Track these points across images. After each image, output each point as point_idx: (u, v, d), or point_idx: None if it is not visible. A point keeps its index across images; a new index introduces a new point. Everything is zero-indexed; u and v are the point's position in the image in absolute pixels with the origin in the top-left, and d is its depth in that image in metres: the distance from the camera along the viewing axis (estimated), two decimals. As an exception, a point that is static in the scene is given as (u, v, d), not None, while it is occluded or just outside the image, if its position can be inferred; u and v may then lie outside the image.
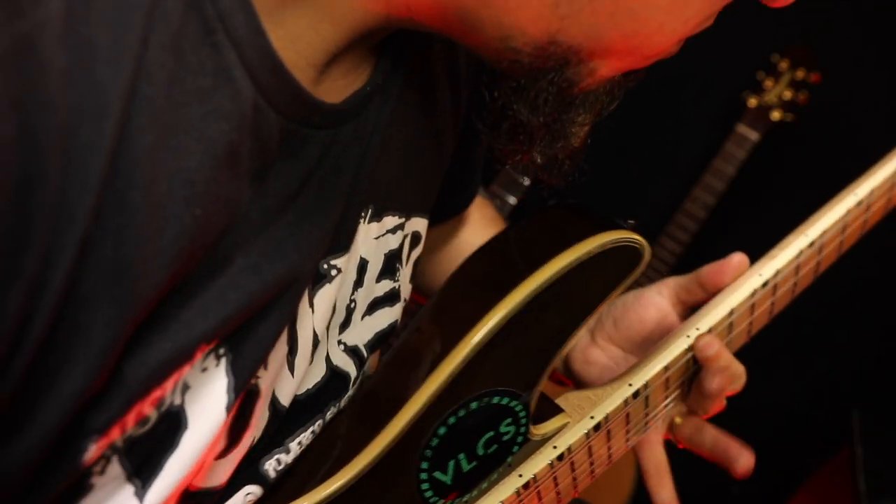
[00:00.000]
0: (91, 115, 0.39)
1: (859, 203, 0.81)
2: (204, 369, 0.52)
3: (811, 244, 0.80)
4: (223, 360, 0.52)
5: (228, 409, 0.54)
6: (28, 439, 0.42)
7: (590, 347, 0.85)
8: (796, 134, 1.88)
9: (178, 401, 0.51)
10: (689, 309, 0.82)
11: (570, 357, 0.86)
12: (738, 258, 0.79)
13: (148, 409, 0.48)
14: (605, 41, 0.50)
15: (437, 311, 0.69)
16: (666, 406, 0.80)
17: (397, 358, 0.68)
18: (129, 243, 0.41)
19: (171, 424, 0.51)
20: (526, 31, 0.49)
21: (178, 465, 0.52)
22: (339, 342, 0.67)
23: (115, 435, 0.47)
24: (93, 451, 0.46)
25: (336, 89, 0.55)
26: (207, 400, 0.52)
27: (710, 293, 0.79)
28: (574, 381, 0.87)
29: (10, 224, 0.37)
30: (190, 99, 0.43)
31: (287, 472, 0.64)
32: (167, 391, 0.49)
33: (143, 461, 0.50)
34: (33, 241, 0.38)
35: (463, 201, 0.91)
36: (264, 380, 0.57)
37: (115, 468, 0.49)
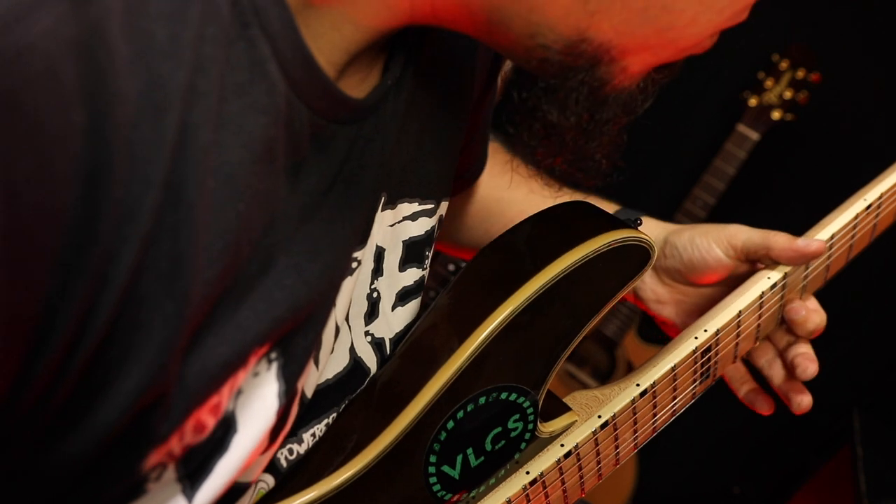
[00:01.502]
0: (153, 108, 0.38)
1: (868, 207, 0.81)
2: (256, 374, 0.52)
3: None
4: (274, 365, 0.53)
5: (277, 412, 0.54)
6: (85, 435, 0.42)
7: (658, 287, 0.88)
8: (796, 134, 1.88)
9: (231, 406, 0.51)
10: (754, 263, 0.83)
11: (643, 297, 0.89)
12: (818, 247, 0.78)
13: (206, 416, 0.48)
14: (638, 37, 0.49)
15: (447, 306, 0.69)
16: (674, 405, 0.80)
17: (408, 351, 0.69)
18: (185, 240, 0.41)
19: (224, 429, 0.51)
20: (555, 28, 0.49)
21: (227, 466, 0.52)
22: (367, 333, 0.67)
23: (174, 443, 0.47)
24: (152, 458, 0.46)
25: (354, 84, 0.55)
26: (258, 404, 0.53)
27: (773, 260, 0.80)
28: (656, 317, 0.90)
29: (79, 215, 0.37)
30: (229, 93, 0.43)
31: (299, 463, 0.64)
32: (224, 398, 0.49)
33: (195, 465, 0.51)
34: (99, 235, 0.38)
35: (478, 170, 0.91)
36: (300, 379, 0.57)
37: (169, 473, 0.49)
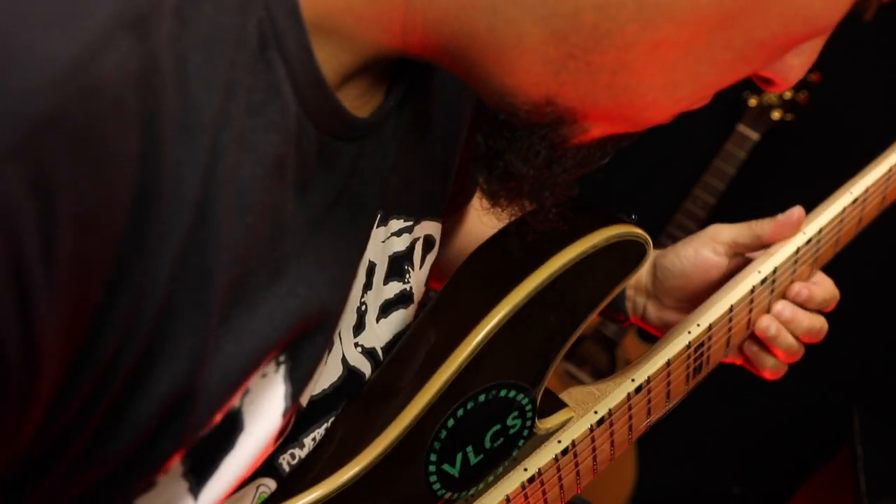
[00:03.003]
0: (188, 131, 0.40)
1: (854, 201, 0.82)
2: (264, 375, 0.53)
3: (808, 241, 0.82)
4: (282, 368, 0.54)
5: (284, 414, 0.55)
6: (116, 441, 0.44)
7: (664, 313, 0.89)
8: (796, 133, 1.89)
9: (238, 404, 0.52)
10: (745, 255, 0.85)
11: (654, 325, 0.90)
12: (798, 214, 0.81)
13: (219, 417, 0.50)
14: (599, 108, 0.52)
15: (443, 306, 0.69)
16: (668, 400, 0.81)
17: (405, 352, 0.69)
18: (210, 254, 0.43)
19: (230, 426, 0.53)
20: (525, 92, 0.51)
21: (233, 465, 0.53)
22: (357, 344, 0.68)
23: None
24: (174, 458, 0.48)
25: (356, 103, 0.57)
26: (265, 405, 0.54)
27: (766, 245, 0.82)
28: None
29: (129, 234, 0.38)
30: (247, 113, 0.45)
31: (299, 465, 0.65)
32: (236, 398, 0.51)
33: (200, 460, 0.52)
34: (145, 253, 0.39)
35: (471, 192, 0.93)
36: (309, 384, 0.59)
37: (176, 467, 0.51)
